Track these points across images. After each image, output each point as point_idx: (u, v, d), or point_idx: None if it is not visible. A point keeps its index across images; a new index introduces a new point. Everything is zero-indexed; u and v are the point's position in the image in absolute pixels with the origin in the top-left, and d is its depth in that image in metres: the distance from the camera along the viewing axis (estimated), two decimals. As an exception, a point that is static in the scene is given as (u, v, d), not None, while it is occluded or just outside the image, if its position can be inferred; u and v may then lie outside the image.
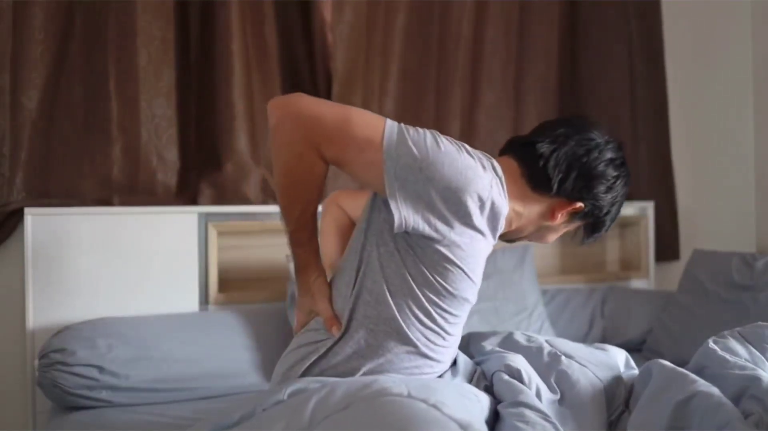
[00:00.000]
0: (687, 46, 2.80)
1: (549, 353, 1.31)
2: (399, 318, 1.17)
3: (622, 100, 2.74)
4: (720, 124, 2.72)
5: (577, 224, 1.35)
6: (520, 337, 1.39)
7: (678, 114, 2.82)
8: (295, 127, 1.13)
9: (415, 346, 1.19)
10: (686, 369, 1.23)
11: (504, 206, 1.18)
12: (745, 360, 1.23)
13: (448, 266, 1.16)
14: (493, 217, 1.17)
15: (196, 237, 2.05)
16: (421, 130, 1.14)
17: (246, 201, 2.15)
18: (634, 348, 2.18)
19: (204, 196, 2.12)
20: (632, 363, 1.38)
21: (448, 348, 1.25)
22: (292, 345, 1.27)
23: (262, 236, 2.17)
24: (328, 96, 2.28)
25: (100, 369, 1.67)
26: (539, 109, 2.64)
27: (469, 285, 1.20)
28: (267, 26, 2.22)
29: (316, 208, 1.22)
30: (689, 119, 2.81)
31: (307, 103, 1.15)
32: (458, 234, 1.14)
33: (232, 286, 2.14)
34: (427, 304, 1.18)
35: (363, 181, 1.19)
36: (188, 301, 2.04)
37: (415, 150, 1.11)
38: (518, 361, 1.26)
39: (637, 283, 2.75)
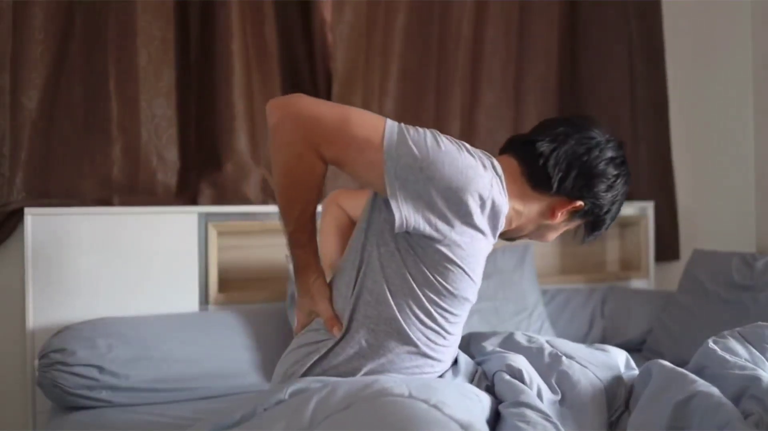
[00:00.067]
0: (687, 46, 2.80)
1: (550, 354, 1.32)
2: (400, 318, 1.17)
3: (622, 100, 2.74)
4: (720, 124, 2.72)
5: (577, 223, 1.35)
6: (520, 338, 1.39)
7: (678, 114, 2.82)
8: (294, 128, 1.13)
9: (416, 346, 1.19)
10: (686, 369, 1.23)
11: (504, 205, 1.18)
12: (745, 360, 1.23)
13: (449, 266, 1.16)
14: (493, 216, 1.17)
15: (196, 237, 2.05)
16: (421, 130, 1.14)
17: (246, 201, 2.15)
18: (634, 349, 2.18)
19: (204, 196, 2.12)
20: (632, 363, 1.38)
21: (448, 348, 1.25)
22: (293, 345, 1.27)
23: (262, 236, 2.17)
24: (328, 96, 2.28)
25: (100, 369, 1.67)
26: (539, 109, 2.64)
27: (470, 284, 1.20)
28: (267, 26, 2.22)
29: (315, 209, 1.22)
30: (689, 119, 2.81)
31: (306, 103, 1.14)
32: (459, 233, 1.14)
33: (232, 286, 2.14)
34: (427, 304, 1.18)
35: (363, 181, 1.19)
36: (188, 301, 2.04)
37: (415, 150, 1.11)
38: (519, 361, 1.26)
39: (637, 283, 2.75)
